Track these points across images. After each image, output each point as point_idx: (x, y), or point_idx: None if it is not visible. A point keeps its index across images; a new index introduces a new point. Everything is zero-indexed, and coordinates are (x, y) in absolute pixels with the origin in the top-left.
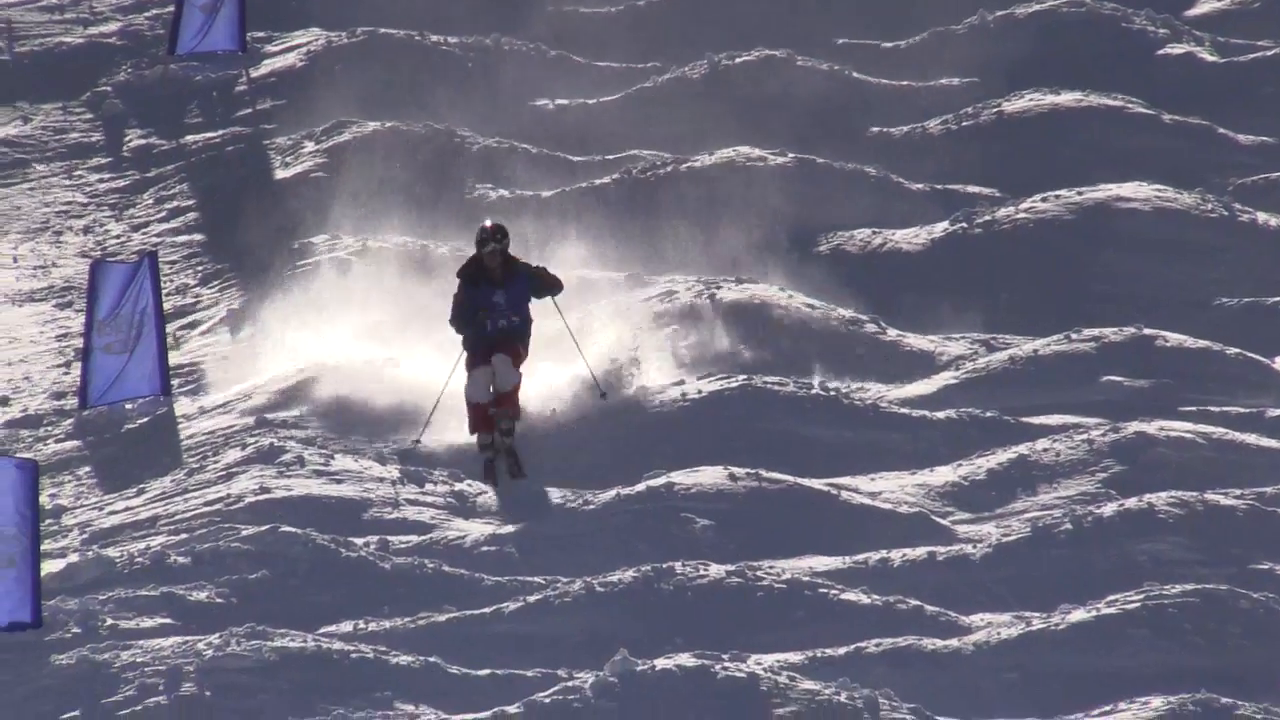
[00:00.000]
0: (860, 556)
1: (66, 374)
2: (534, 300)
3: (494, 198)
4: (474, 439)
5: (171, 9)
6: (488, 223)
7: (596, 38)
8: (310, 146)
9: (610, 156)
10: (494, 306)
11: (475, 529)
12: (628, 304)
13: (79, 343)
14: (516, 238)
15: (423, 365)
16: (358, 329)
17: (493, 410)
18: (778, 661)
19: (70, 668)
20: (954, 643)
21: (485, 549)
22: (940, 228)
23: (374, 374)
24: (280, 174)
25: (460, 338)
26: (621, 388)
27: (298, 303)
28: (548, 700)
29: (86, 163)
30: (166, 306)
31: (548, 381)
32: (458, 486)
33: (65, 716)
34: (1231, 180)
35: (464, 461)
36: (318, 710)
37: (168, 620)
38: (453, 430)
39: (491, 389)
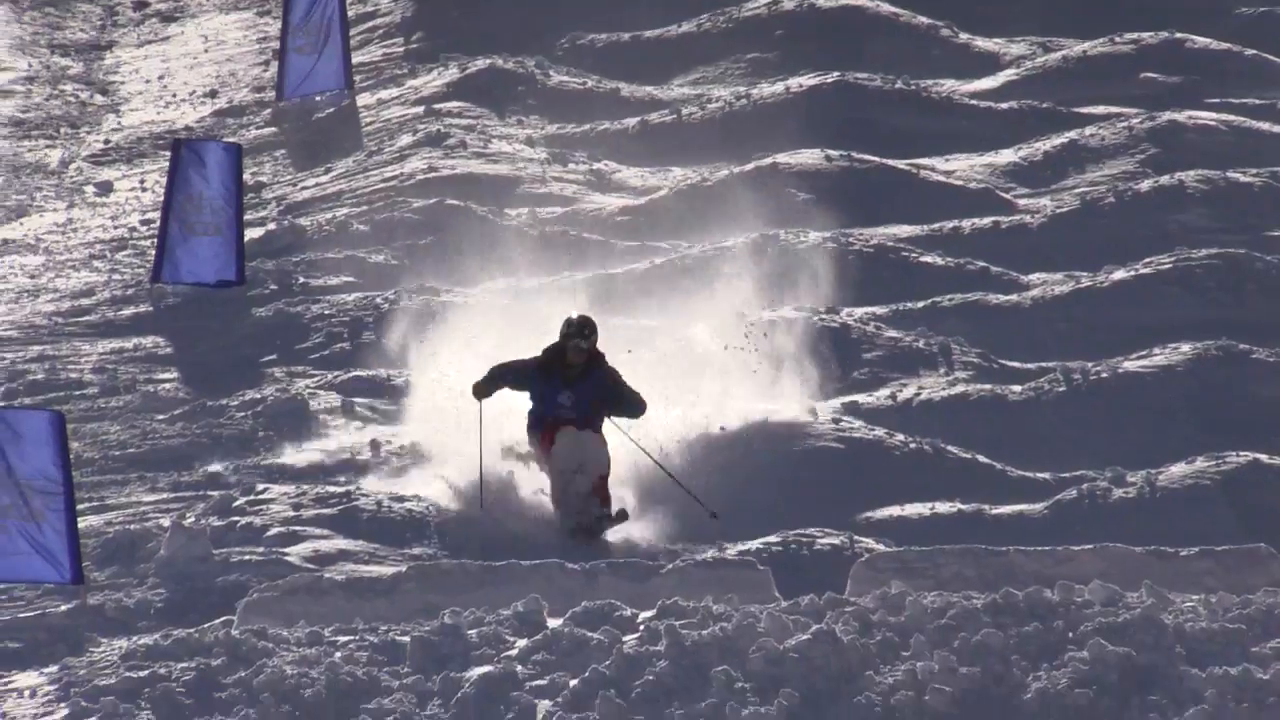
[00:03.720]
0: (935, 225)
1: (265, 71)
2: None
3: None
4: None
5: None
6: (575, 315)
7: None
8: None
9: None
10: (558, 406)
11: (611, 202)
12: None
13: (276, 44)
14: None
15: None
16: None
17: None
18: (866, 313)
19: (268, 318)
20: (1014, 298)
21: (620, 219)
22: None
23: (527, 76)
24: None
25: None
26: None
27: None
28: (673, 349)
29: None
30: (350, 13)
31: None
32: (595, 165)
33: (264, 358)
34: None
35: (603, 142)
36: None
37: (350, 279)
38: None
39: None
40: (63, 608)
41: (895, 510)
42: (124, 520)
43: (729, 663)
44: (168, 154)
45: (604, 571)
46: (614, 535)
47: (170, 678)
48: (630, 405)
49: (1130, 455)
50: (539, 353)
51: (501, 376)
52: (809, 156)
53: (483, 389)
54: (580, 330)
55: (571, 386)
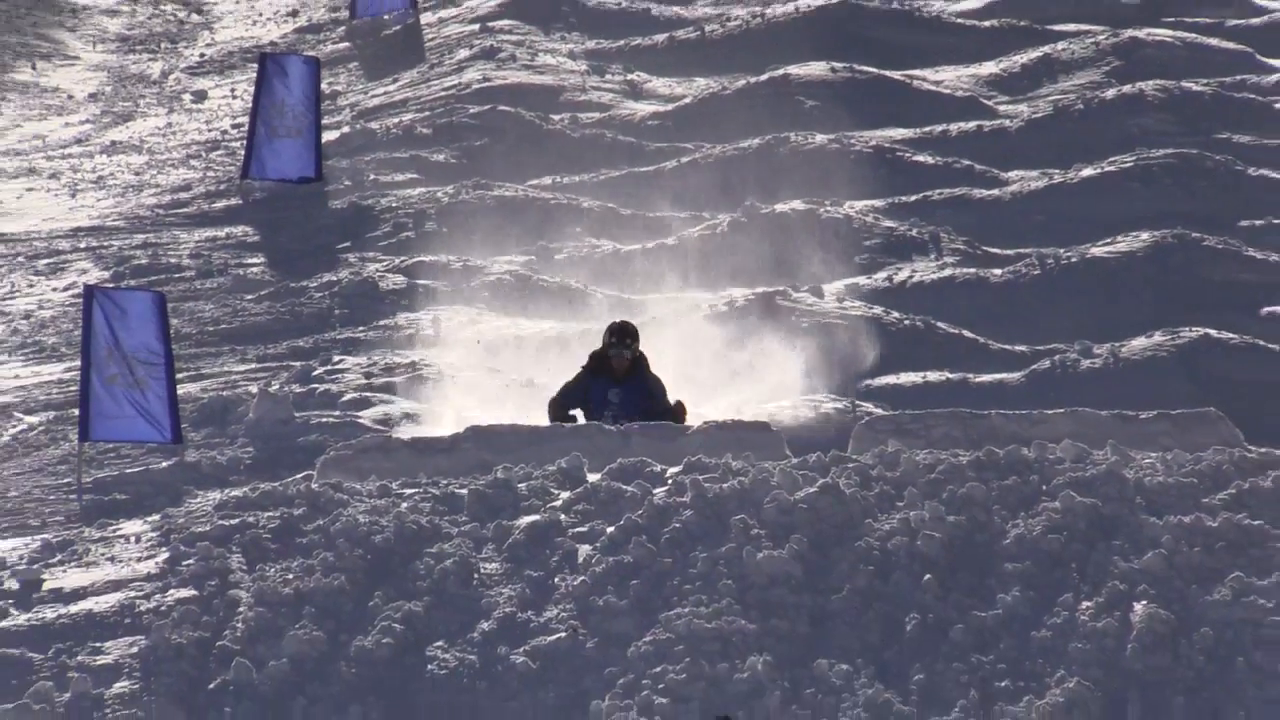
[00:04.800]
0: (926, 128)
1: None
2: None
3: None
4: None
5: None
6: (616, 322)
7: None
8: None
9: None
10: (607, 404)
11: (643, 108)
12: None
13: None
14: None
15: None
16: None
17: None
18: (865, 205)
19: (343, 210)
20: (995, 192)
21: (650, 123)
22: None
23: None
24: None
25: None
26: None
27: None
28: (695, 235)
29: None
30: None
31: None
32: (629, 76)
33: (339, 245)
34: None
35: (636, 56)
36: (528, 248)
37: (415, 175)
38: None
39: None
40: (163, 464)
41: (891, 379)
42: (217, 388)
43: (745, 512)
44: (255, 66)
45: (636, 433)
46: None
47: (257, 525)
48: (668, 417)
49: (1096, 330)
50: (586, 362)
51: (562, 405)
52: (816, 68)
53: (555, 415)
54: (621, 339)
55: (620, 384)
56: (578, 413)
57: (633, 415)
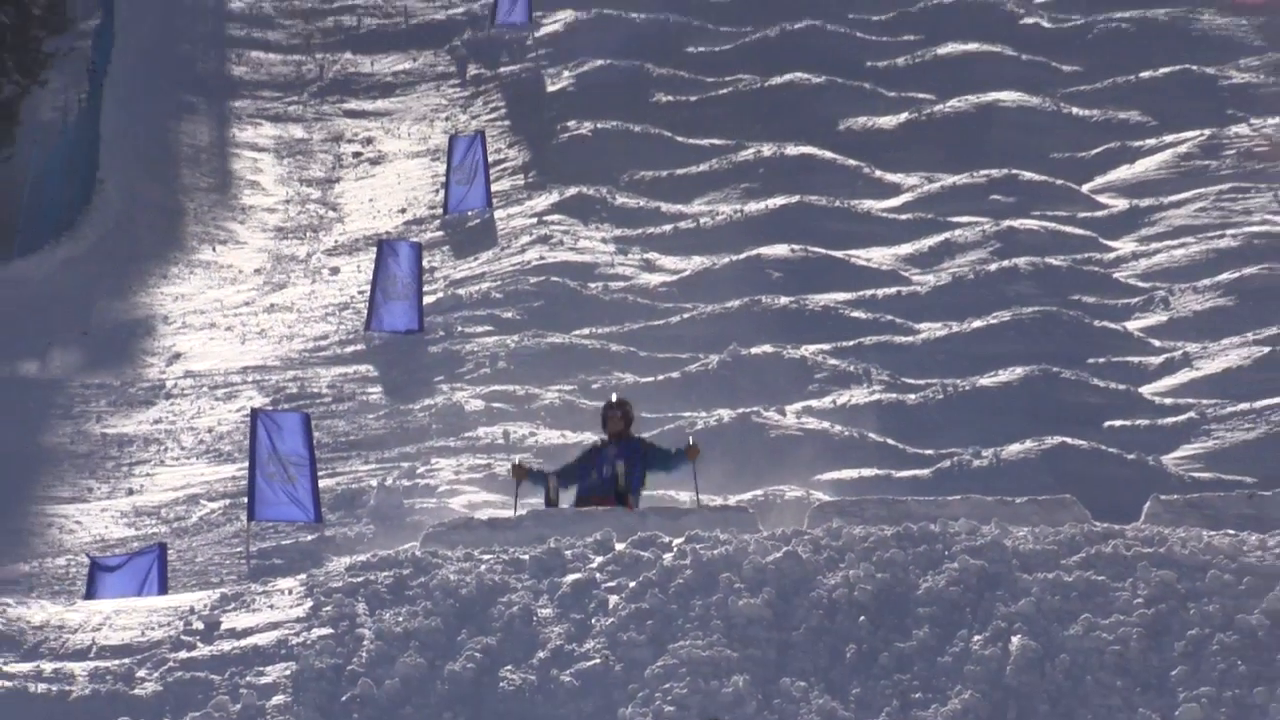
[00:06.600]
0: (860, 292)
1: (436, 195)
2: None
3: None
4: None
5: None
6: (614, 397)
7: None
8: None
9: None
10: (604, 457)
11: (655, 278)
12: None
13: (443, 178)
14: None
15: None
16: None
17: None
18: (816, 348)
19: (438, 353)
20: (911, 339)
21: (660, 289)
22: None
23: (602, 198)
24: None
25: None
26: None
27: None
28: (694, 370)
29: (446, 84)
30: (491, 158)
31: None
32: (645, 256)
33: (436, 378)
34: None
35: (650, 241)
36: (572, 380)
37: (490, 327)
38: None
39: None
40: (308, 537)
41: (835, 474)
42: (347, 482)
43: (730, 571)
44: (375, 249)
45: (651, 514)
46: (656, 492)
47: (377, 582)
48: (667, 452)
49: (983, 439)
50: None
51: (557, 475)
52: (780, 249)
53: (523, 475)
54: (620, 407)
55: (616, 445)
56: (552, 479)
57: (629, 476)
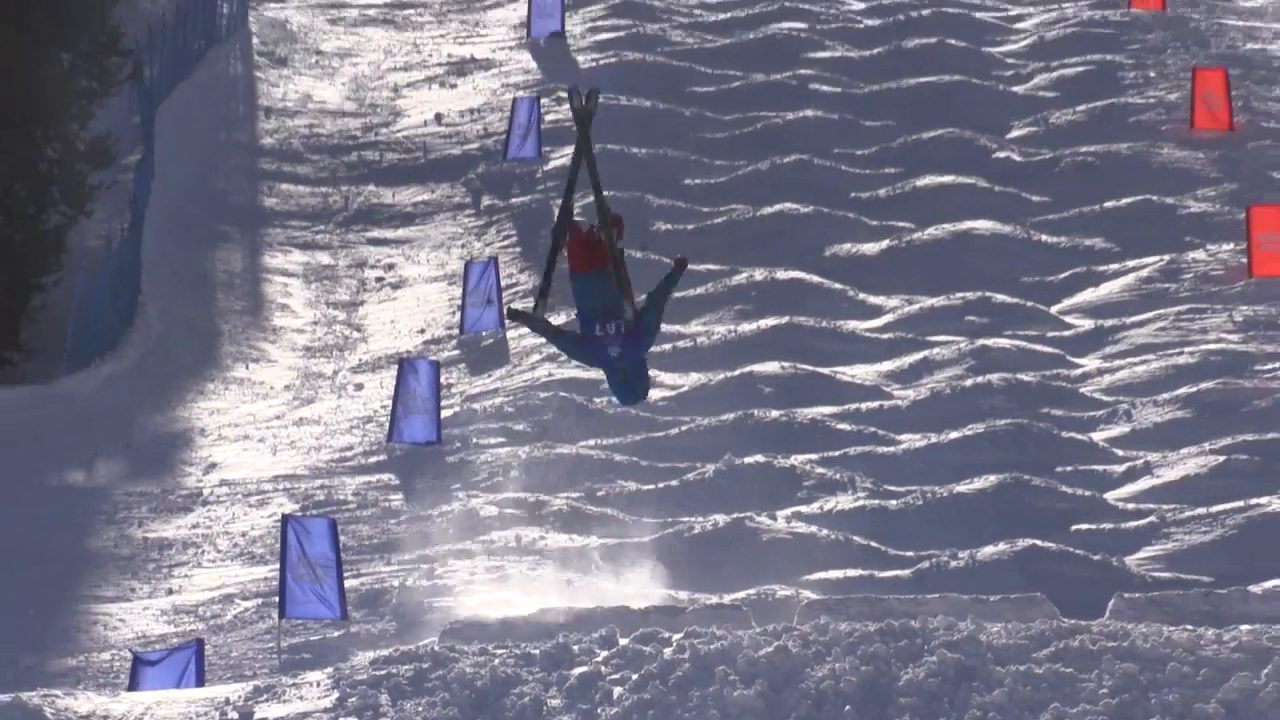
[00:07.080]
0: (846, 406)
1: (454, 316)
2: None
3: None
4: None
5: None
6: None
7: None
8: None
9: None
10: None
11: (656, 393)
12: None
13: (459, 301)
14: None
15: None
16: None
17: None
18: (805, 458)
19: (455, 464)
20: (892, 449)
21: (660, 403)
22: None
23: None
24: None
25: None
26: None
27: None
28: (691, 478)
29: (462, 213)
30: (503, 282)
31: None
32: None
33: (453, 486)
34: None
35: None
36: (580, 488)
37: (503, 439)
38: None
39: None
40: (335, 634)
41: (822, 574)
42: (371, 581)
43: (726, 664)
44: (396, 366)
45: (653, 612)
46: (661, 588)
47: (399, 674)
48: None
49: (960, 542)
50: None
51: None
52: (771, 366)
53: (519, 316)
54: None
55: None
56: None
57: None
